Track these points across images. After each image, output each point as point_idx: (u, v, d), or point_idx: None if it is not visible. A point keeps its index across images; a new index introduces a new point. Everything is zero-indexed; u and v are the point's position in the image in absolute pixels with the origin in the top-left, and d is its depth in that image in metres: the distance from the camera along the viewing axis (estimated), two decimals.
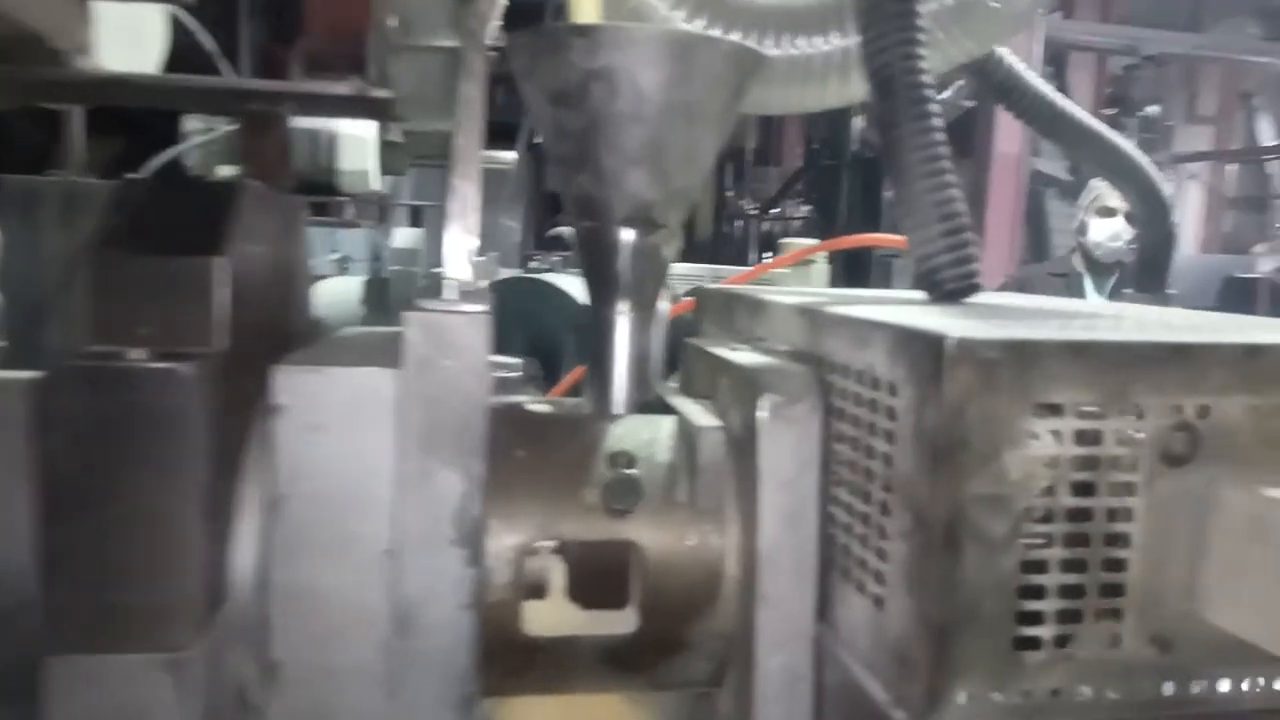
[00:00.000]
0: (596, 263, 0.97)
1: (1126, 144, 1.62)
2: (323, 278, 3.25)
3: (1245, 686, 0.70)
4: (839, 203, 13.33)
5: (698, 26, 1.18)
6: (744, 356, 0.96)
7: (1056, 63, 11.41)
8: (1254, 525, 0.63)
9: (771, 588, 0.83)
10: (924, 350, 0.67)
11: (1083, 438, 0.66)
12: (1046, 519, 0.67)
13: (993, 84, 1.54)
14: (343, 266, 3.33)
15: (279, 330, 0.92)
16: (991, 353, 0.64)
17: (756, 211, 16.15)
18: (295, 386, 0.75)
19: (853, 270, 11.99)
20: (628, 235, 0.95)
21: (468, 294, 0.84)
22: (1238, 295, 9.86)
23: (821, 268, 4.42)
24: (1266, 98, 13.49)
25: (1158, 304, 1.77)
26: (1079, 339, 0.65)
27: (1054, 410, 0.66)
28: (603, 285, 0.98)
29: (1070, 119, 1.59)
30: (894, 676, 0.71)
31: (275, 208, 0.92)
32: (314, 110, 1.34)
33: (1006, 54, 1.52)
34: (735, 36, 1.20)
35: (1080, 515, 0.67)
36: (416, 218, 4.73)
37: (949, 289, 1.01)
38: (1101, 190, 4.79)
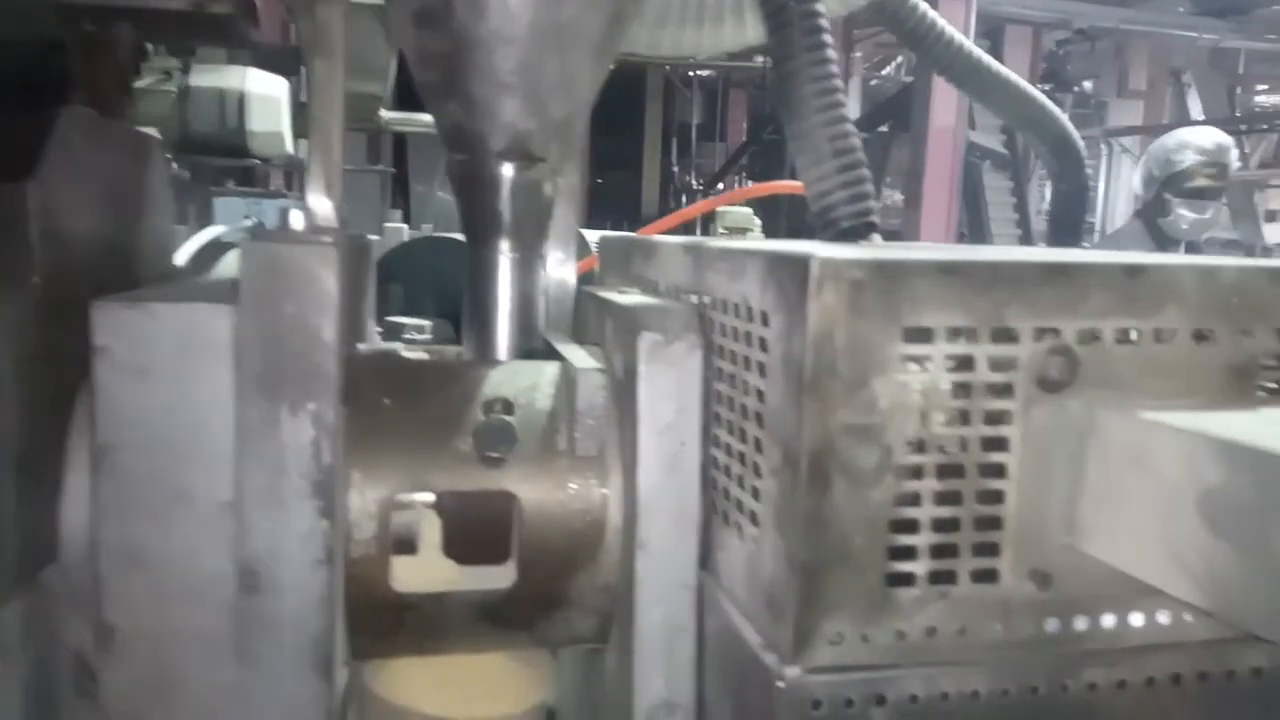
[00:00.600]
0: (473, 200, 0.92)
1: (1039, 94, 1.59)
2: (233, 246, 3.15)
3: (1131, 622, 0.68)
4: (783, 177, 13.33)
5: None
6: (627, 298, 0.91)
7: (992, 36, 11.53)
8: (1132, 452, 0.60)
9: (651, 536, 0.79)
10: (790, 274, 0.63)
11: (955, 363, 0.63)
12: (919, 450, 0.63)
13: (904, 30, 1.50)
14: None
15: (121, 273, 0.85)
16: (857, 273, 0.60)
17: (701, 187, 16.13)
18: (116, 325, 0.68)
19: (801, 236, 11.99)
20: (506, 170, 0.90)
21: (320, 228, 0.78)
22: None
23: (758, 236, 4.41)
24: (1195, 73, 13.77)
25: None
26: (948, 259, 0.62)
27: (924, 334, 0.62)
28: (481, 224, 0.93)
29: (985, 68, 1.56)
30: (766, 619, 0.67)
31: (113, 140, 0.85)
32: (155, 32, 1.26)
33: (920, 3, 1.49)
34: None
35: (955, 445, 0.64)
36: None
37: (844, 227, 0.97)
38: (1189, 163, 3.62)
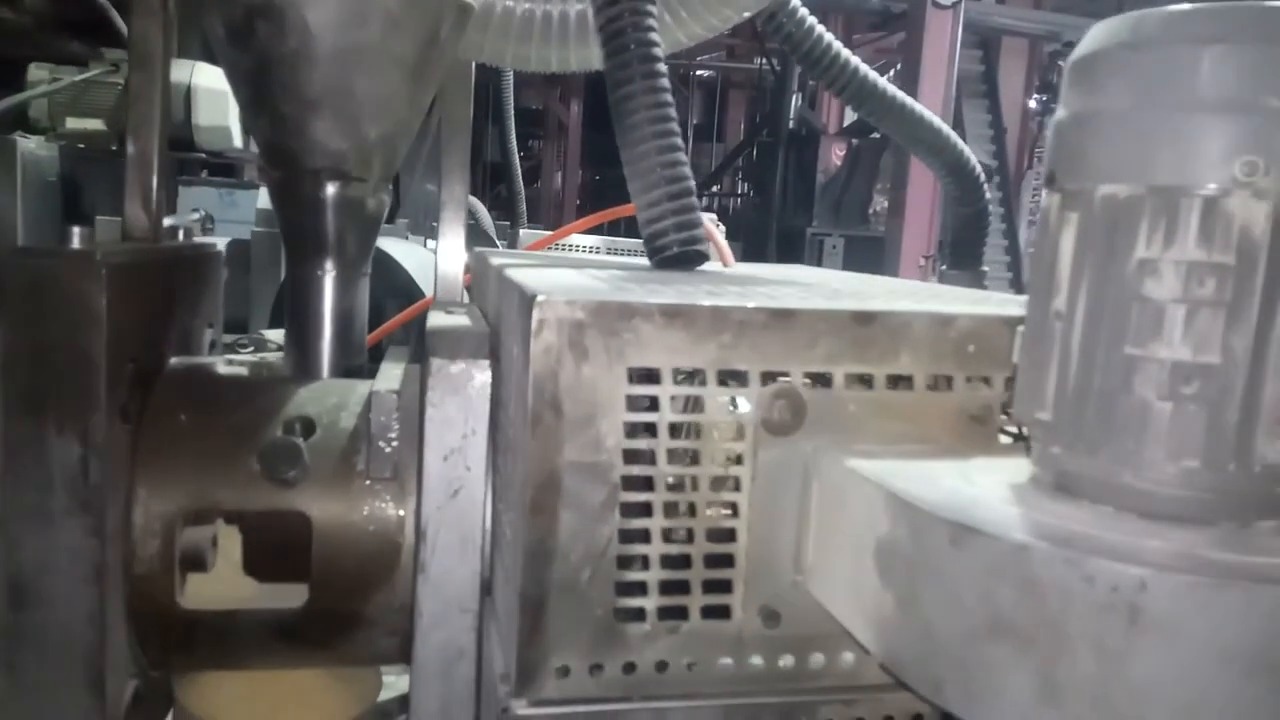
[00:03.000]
0: (291, 217, 0.93)
1: (936, 120, 1.60)
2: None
3: (868, 660, 0.69)
4: (775, 180, 13.34)
5: None
6: (442, 319, 0.92)
7: (986, 48, 11.54)
8: (837, 496, 0.61)
9: (432, 561, 0.80)
10: (522, 311, 0.64)
11: (683, 404, 0.64)
12: (647, 487, 0.64)
13: (799, 52, 1.51)
14: (206, 226, 3.21)
15: None
16: (579, 314, 0.61)
17: (695, 188, 16.13)
18: None
19: (785, 250, 11.97)
20: (324, 188, 0.91)
21: (108, 243, 0.79)
22: None
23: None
24: None
25: (974, 280, 1.78)
26: (672, 302, 0.62)
27: (651, 375, 0.63)
28: (300, 241, 0.94)
29: (882, 93, 1.57)
30: (505, 650, 0.68)
31: None
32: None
33: (815, 25, 1.50)
34: None
35: (684, 484, 0.65)
36: None
37: (672, 254, 0.98)
38: None
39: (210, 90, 2.84)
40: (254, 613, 0.84)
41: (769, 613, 0.67)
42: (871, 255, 10.43)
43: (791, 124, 13.13)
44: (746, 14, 1.24)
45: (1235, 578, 0.42)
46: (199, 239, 1.02)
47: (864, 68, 1.54)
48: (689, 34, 1.22)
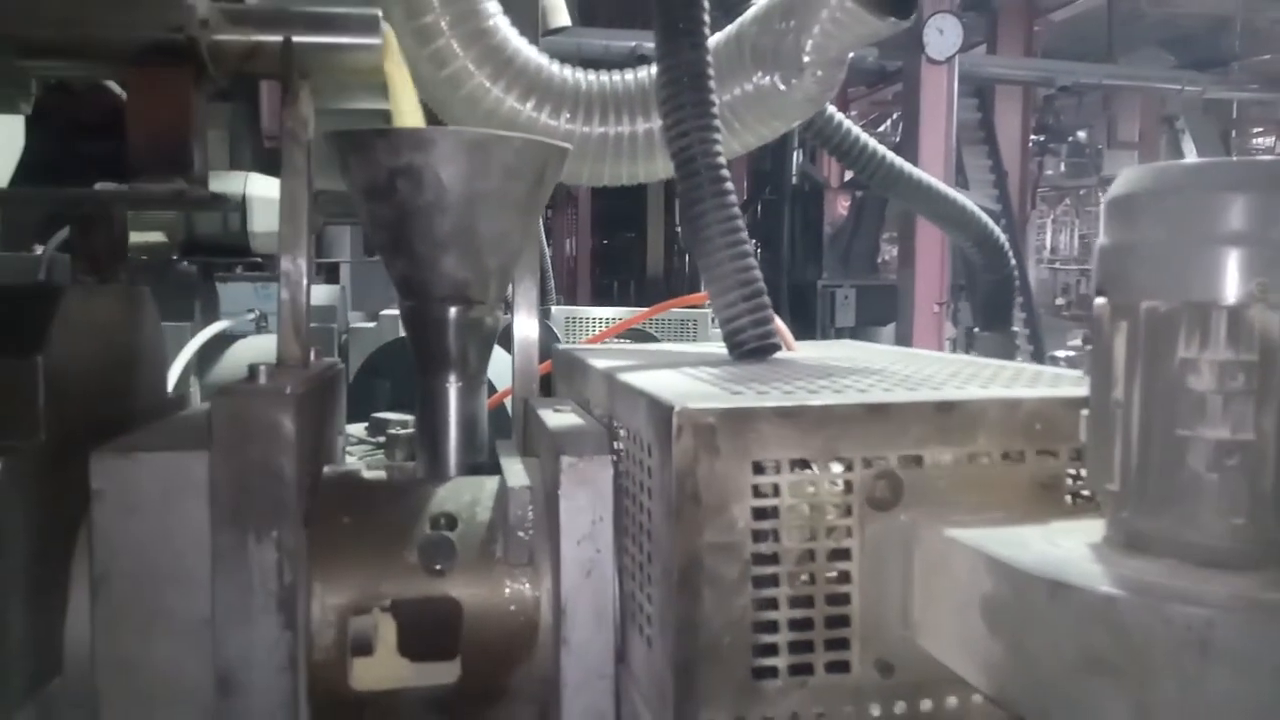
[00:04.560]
0: (422, 338, 1.06)
1: (959, 196, 1.74)
2: (241, 337, 3.31)
3: (974, 700, 0.79)
4: (782, 235, 13.56)
5: (528, 108, 1.28)
6: (555, 418, 1.04)
7: (982, 96, 11.80)
8: (939, 561, 0.72)
9: (572, 634, 0.91)
10: (659, 417, 0.76)
11: (798, 489, 0.76)
12: (773, 561, 0.76)
13: (832, 146, 1.66)
14: (260, 325, 3.38)
15: (119, 415, 0.99)
16: (710, 419, 0.74)
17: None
18: (110, 471, 0.82)
19: (797, 302, 12.11)
20: (448, 312, 1.04)
21: (286, 371, 0.92)
22: None
23: None
24: (1188, 119, 14.02)
25: (1005, 341, 1.90)
26: (786, 405, 0.75)
27: (770, 467, 0.75)
28: (429, 358, 1.07)
29: (908, 176, 1.71)
30: (657, 709, 0.79)
31: (109, 302, 1.00)
32: (141, 207, 1.43)
33: (844, 122, 1.65)
34: (564, 116, 1.30)
35: (804, 557, 0.76)
36: (333, 274, 4.81)
37: (750, 348, 1.11)
38: None
39: (264, 199, 3.02)
40: (414, 690, 0.95)
41: (883, 665, 0.78)
42: (883, 304, 10.56)
43: (794, 180, 13.40)
44: (796, 124, 1.39)
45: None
46: (327, 359, 1.15)
47: (891, 155, 1.69)
48: (743, 143, 1.36)
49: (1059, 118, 15.23)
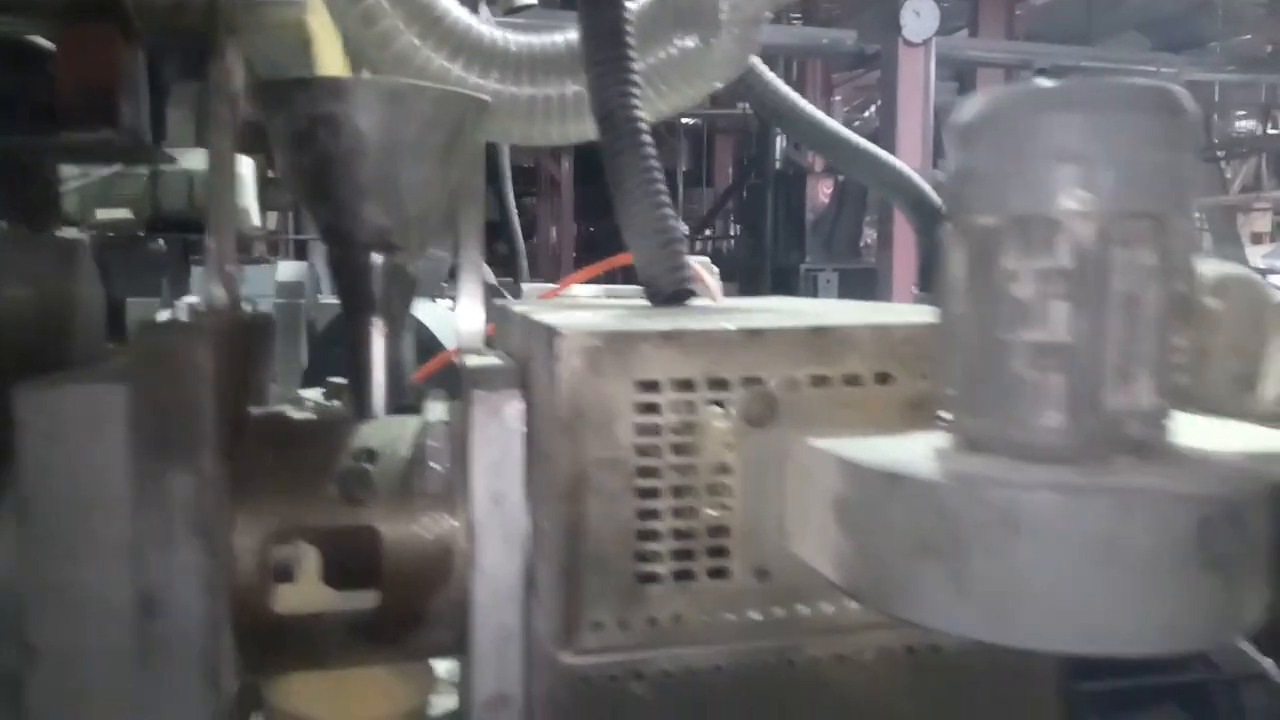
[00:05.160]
0: (347, 284, 1.11)
1: (896, 161, 1.79)
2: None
3: (847, 605, 0.84)
4: (766, 220, 13.60)
5: (458, 68, 1.32)
6: (474, 359, 1.09)
7: (962, 79, 11.86)
8: (805, 470, 0.78)
9: (483, 559, 0.96)
10: (550, 341, 0.81)
11: (680, 408, 0.81)
12: (656, 475, 0.81)
13: (768, 109, 1.70)
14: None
15: (55, 362, 1.03)
16: (594, 342, 0.79)
17: (688, 232, 16.43)
18: (34, 404, 0.86)
19: (780, 287, 12.16)
20: (371, 258, 1.09)
21: (211, 313, 0.96)
22: None
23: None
24: None
25: None
26: (668, 329, 0.80)
27: (654, 386, 0.80)
28: (355, 303, 1.11)
29: (845, 141, 1.76)
30: (549, 615, 0.84)
31: (42, 252, 1.04)
32: (74, 159, 1.47)
33: (776, 84, 1.69)
34: (492, 77, 1.34)
35: (686, 471, 0.81)
36: (302, 251, 4.83)
37: (666, 294, 1.16)
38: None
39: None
40: (335, 615, 1.00)
41: (761, 571, 0.83)
42: (865, 286, 10.64)
43: (778, 165, 13.45)
44: (719, 84, 1.43)
45: (1083, 491, 0.59)
46: (260, 310, 1.20)
47: (827, 119, 1.73)
48: (672, 105, 1.40)
49: None
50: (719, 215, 17.69)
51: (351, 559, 1.02)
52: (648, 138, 1.17)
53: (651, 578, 0.81)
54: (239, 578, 0.97)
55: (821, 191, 13.40)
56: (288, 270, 3.70)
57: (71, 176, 3.04)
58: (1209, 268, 0.69)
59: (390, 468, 1.03)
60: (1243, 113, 17.79)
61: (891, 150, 7.93)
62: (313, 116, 0.99)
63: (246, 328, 1.06)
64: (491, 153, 4.10)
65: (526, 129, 1.37)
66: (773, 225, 13.18)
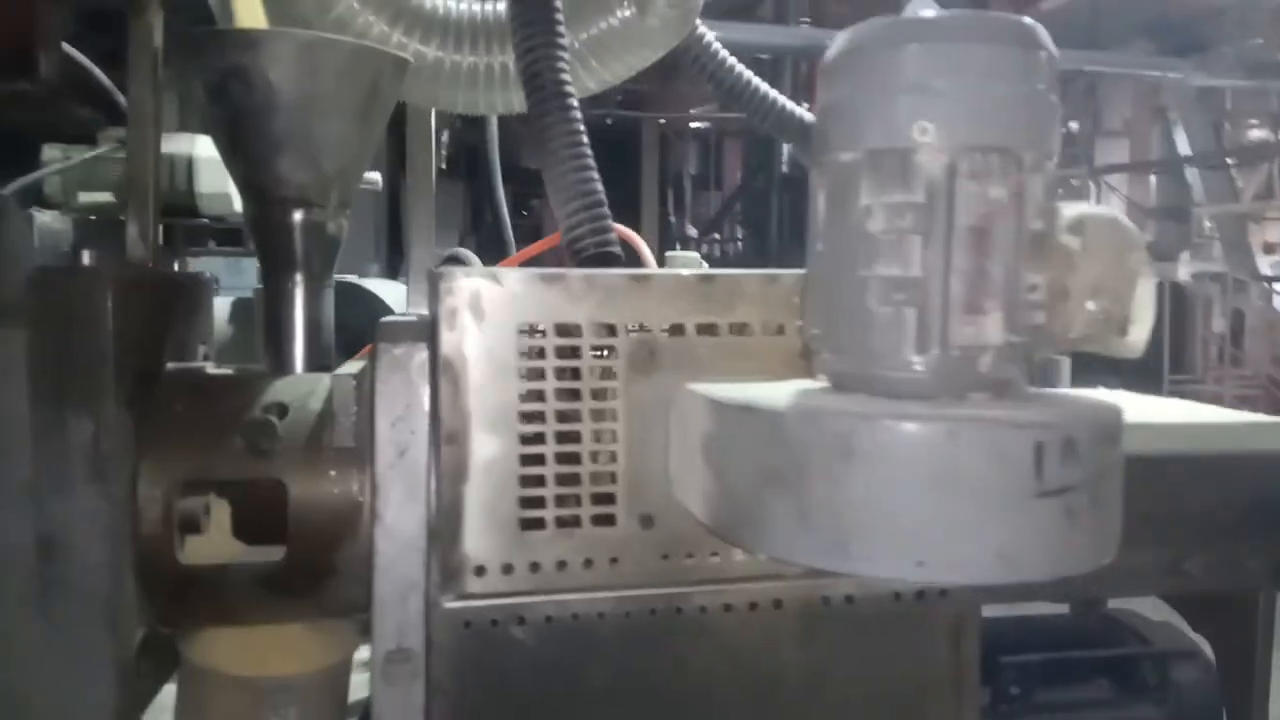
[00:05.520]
0: (265, 240, 1.11)
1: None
2: None
3: (734, 555, 0.84)
4: (770, 223, 13.61)
5: (397, 33, 1.33)
6: (391, 317, 1.09)
7: None
8: (683, 414, 0.78)
9: (386, 510, 0.96)
10: (433, 286, 0.81)
11: (565, 354, 0.81)
12: (541, 420, 0.81)
13: (715, 84, 1.68)
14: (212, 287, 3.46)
15: None
16: (477, 285, 0.79)
17: (696, 235, 16.43)
18: None
19: None
20: (286, 214, 1.09)
21: (122, 262, 0.97)
22: None
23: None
24: (1180, 111, 14.02)
25: None
26: (552, 272, 0.80)
27: (538, 330, 0.80)
28: (273, 260, 1.11)
29: (797, 120, 1.75)
30: (435, 560, 0.84)
31: None
32: None
33: (723, 54, 1.67)
34: (434, 43, 1.35)
35: (570, 417, 0.81)
36: None
37: (588, 255, 1.16)
38: None
39: (210, 160, 3.07)
40: (242, 567, 1.00)
41: (646, 519, 0.83)
42: None
43: (785, 168, 13.44)
44: (660, 53, 1.43)
45: (916, 418, 0.59)
46: (197, 273, 1.20)
47: (777, 95, 1.73)
48: (614, 74, 1.41)
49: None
50: (726, 218, 17.69)
51: (259, 512, 1.03)
52: (574, 101, 1.17)
53: (535, 523, 0.81)
54: (144, 527, 0.97)
55: None
56: None
57: (54, 160, 3.06)
58: (1071, 208, 0.69)
59: (300, 422, 1.03)
60: (1255, 122, 17.70)
61: None
62: (225, 69, 1.00)
63: (169, 284, 1.07)
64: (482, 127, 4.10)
65: (470, 98, 1.37)
66: (778, 228, 13.17)
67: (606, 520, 0.83)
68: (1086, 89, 14.14)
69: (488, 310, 0.79)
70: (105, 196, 3.07)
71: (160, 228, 1.12)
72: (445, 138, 4.67)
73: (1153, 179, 14.52)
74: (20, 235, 1.17)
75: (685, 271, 0.82)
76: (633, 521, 0.83)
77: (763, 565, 0.85)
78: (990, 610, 1.35)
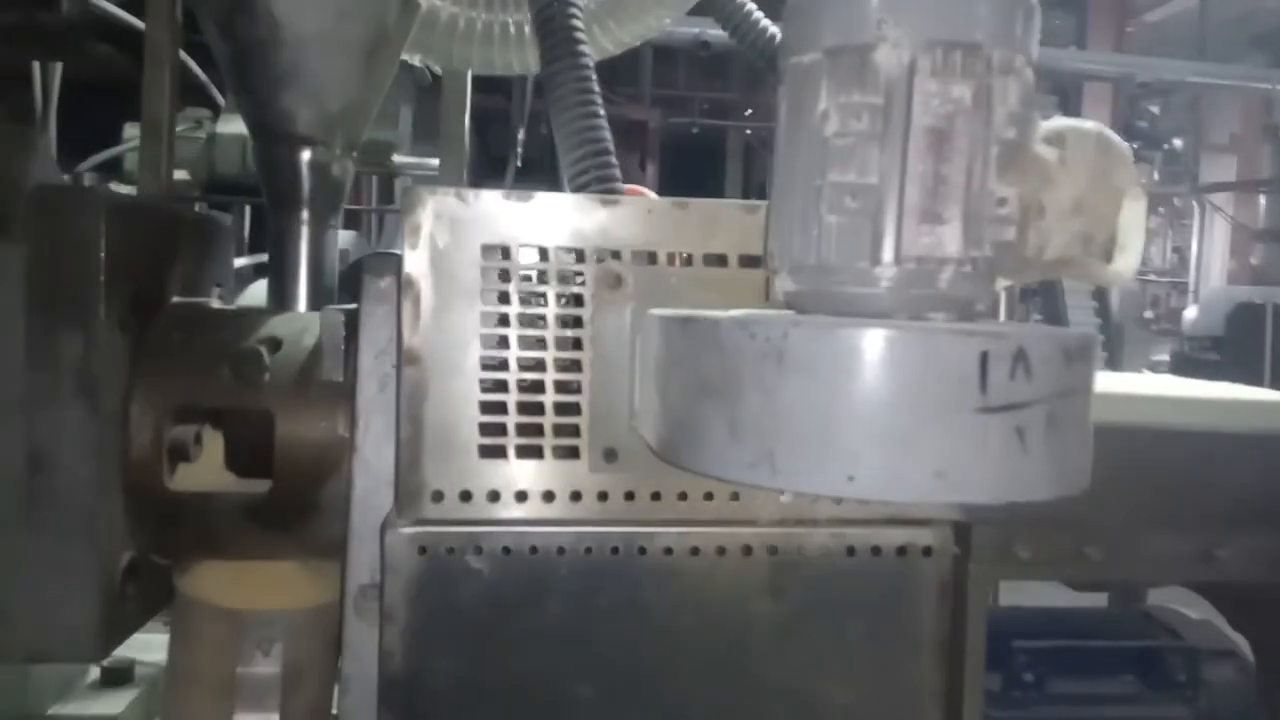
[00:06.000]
0: (270, 178, 1.12)
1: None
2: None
3: (703, 498, 0.81)
4: None
5: None
6: (378, 253, 1.09)
7: (1064, 95, 11.47)
8: (642, 341, 0.75)
9: (364, 443, 0.95)
10: (399, 200, 0.80)
11: (531, 276, 0.79)
12: (505, 346, 0.79)
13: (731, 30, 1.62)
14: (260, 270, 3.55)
15: None
16: (445, 202, 0.77)
17: None
18: None
19: None
20: (295, 152, 1.10)
21: (105, 188, 0.99)
22: (1248, 320, 9.78)
23: None
24: None
25: None
26: (519, 193, 0.78)
27: (502, 252, 0.78)
28: (276, 198, 1.13)
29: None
30: (395, 487, 0.83)
31: None
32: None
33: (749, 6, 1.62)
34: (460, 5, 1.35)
35: (536, 344, 0.79)
36: (352, 220, 4.97)
37: None
38: None
39: None
40: (228, 495, 1.01)
41: (610, 453, 0.80)
42: None
43: None
44: (675, 14, 1.41)
45: (851, 325, 0.55)
46: (215, 214, 1.22)
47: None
48: (616, 42, 1.39)
49: (1154, 123, 14.71)
50: None
51: (252, 446, 1.03)
52: (585, 49, 1.16)
53: (496, 451, 0.80)
54: (134, 450, 0.98)
55: None
56: (340, 238, 3.76)
57: (134, 138, 3.18)
58: (1056, 121, 0.64)
59: (292, 356, 1.03)
60: None
61: None
62: (230, 4, 1.01)
63: (176, 218, 1.08)
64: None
65: (485, 54, 1.36)
66: None
67: (570, 453, 0.80)
68: (1190, 102, 13.59)
69: (453, 230, 0.78)
70: (181, 174, 3.17)
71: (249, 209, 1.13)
72: (521, 136, 4.71)
73: (1261, 199, 13.85)
74: (49, 169, 1.20)
75: (656, 196, 0.80)
76: (597, 455, 0.80)
77: (733, 510, 0.82)
78: (1019, 602, 1.28)
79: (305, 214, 1.11)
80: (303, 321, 1.07)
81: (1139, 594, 1.39)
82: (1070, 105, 11.45)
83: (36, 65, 1.64)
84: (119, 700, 1.25)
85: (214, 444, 1.05)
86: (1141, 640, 1.19)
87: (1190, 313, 10.61)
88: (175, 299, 1.11)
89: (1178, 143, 17.25)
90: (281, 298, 1.12)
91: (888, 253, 0.60)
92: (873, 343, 0.54)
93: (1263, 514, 1.04)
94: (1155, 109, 14.25)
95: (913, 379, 0.54)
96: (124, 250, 0.95)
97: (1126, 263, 0.64)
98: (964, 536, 0.94)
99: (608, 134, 1.14)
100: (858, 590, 0.82)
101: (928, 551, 0.83)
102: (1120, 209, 0.63)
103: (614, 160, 1.14)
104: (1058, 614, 1.42)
